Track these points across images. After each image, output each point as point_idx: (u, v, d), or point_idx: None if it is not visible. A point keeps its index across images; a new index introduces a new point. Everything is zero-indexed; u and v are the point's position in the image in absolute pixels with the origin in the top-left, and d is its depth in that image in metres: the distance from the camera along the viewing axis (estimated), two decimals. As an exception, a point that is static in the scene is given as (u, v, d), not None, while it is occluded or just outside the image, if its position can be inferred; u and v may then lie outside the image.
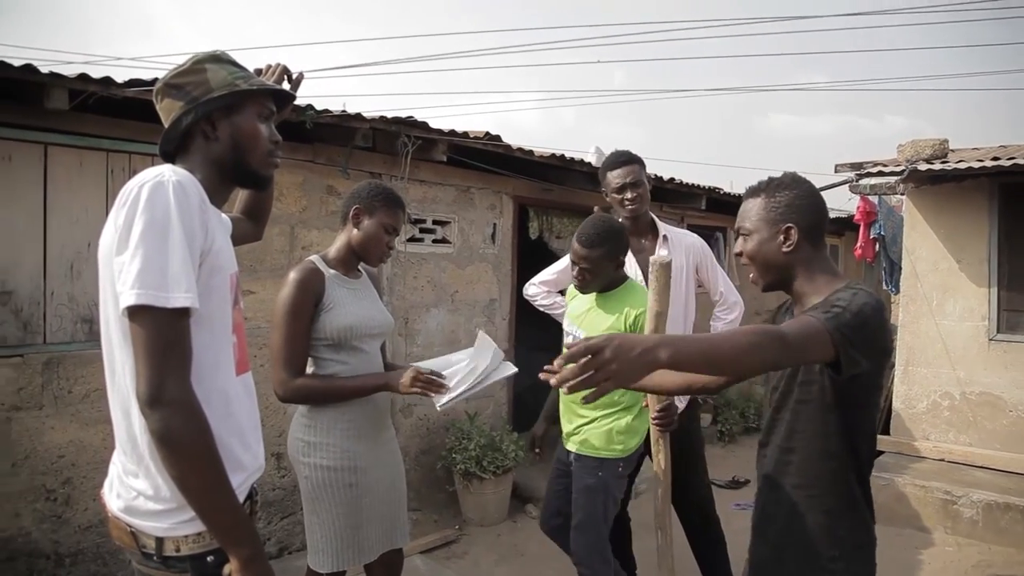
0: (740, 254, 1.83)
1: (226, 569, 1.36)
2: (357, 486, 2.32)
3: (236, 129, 1.55)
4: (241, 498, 1.45)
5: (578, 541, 2.81)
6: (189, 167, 1.49)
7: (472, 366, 2.37)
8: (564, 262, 3.34)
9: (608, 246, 2.75)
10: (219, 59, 1.58)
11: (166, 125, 1.54)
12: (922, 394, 5.57)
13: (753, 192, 1.82)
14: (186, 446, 1.28)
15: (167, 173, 1.34)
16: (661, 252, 3.14)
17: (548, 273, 3.38)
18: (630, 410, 2.82)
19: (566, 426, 2.93)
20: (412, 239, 4.85)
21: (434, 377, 2.32)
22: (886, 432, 5.77)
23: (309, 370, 2.35)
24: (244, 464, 1.50)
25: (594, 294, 2.89)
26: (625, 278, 2.90)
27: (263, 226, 2.08)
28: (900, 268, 5.97)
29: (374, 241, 2.39)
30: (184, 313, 1.30)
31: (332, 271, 2.36)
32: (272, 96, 1.64)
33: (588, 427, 2.84)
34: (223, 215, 1.66)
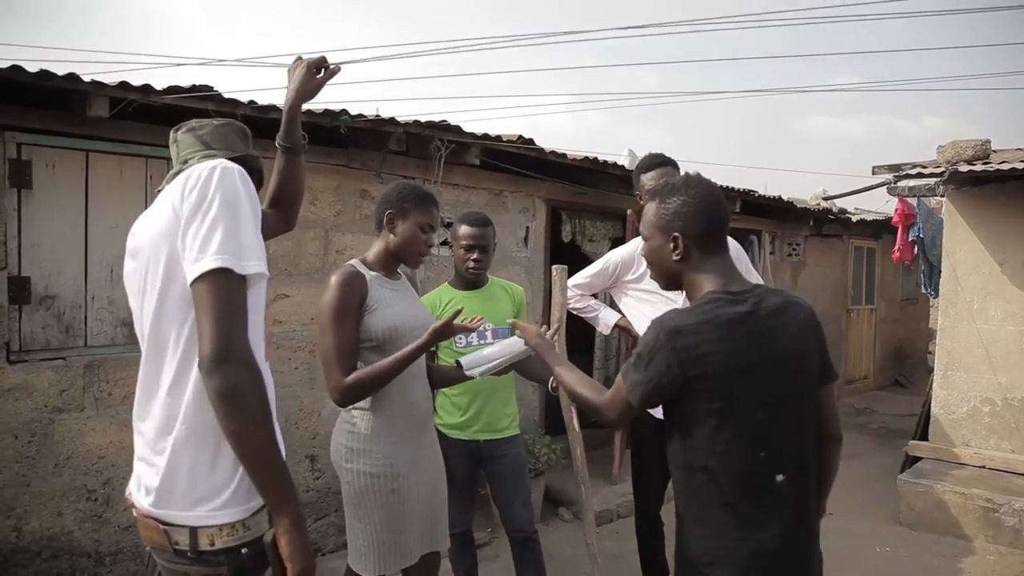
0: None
1: (268, 535, 1.36)
2: (399, 491, 2.31)
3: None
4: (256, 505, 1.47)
5: (529, 511, 3.12)
6: None
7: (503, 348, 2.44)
8: (598, 265, 3.32)
9: (492, 224, 3.07)
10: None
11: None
12: (962, 399, 5.46)
13: (652, 195, 1.83)
14: (250, 402, 1.32)
15: (227, 162, 1.46)
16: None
17: (582, 276, 3.36)
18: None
19: (501, 417, 3.09)
20: (445, 242, 4.87)
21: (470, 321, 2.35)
22: (924, 438, 5.67)
23: None
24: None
25: (473, 293, 3.07)
26: None
27: (294, 216, 2.15)
28: (939, 271, 5.86)
29: (412, 242, 2.39)
30: (248, 282, 1.38)
31: (373, 273, 2.36)
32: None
33: (514, 410, 3.17)
34: None
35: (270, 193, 2.08)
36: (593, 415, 1.85)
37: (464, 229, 3.01)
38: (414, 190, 2.44)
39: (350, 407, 2.34)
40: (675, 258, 1.74)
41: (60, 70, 3.03)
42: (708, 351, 1.61)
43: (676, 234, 1.72)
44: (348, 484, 2.34)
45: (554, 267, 2.56)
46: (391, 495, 2.30)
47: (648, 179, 3.06)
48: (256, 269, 1.37)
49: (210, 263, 1.32)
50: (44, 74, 2.97)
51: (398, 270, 2.49)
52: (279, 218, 2.09)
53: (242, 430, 1.32)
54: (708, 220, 1.74)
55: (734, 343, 1.63)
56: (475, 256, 3.00)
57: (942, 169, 5.24)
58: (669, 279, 1.82)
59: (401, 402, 2.33)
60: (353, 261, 2.39)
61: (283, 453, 1.41)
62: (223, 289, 1.33)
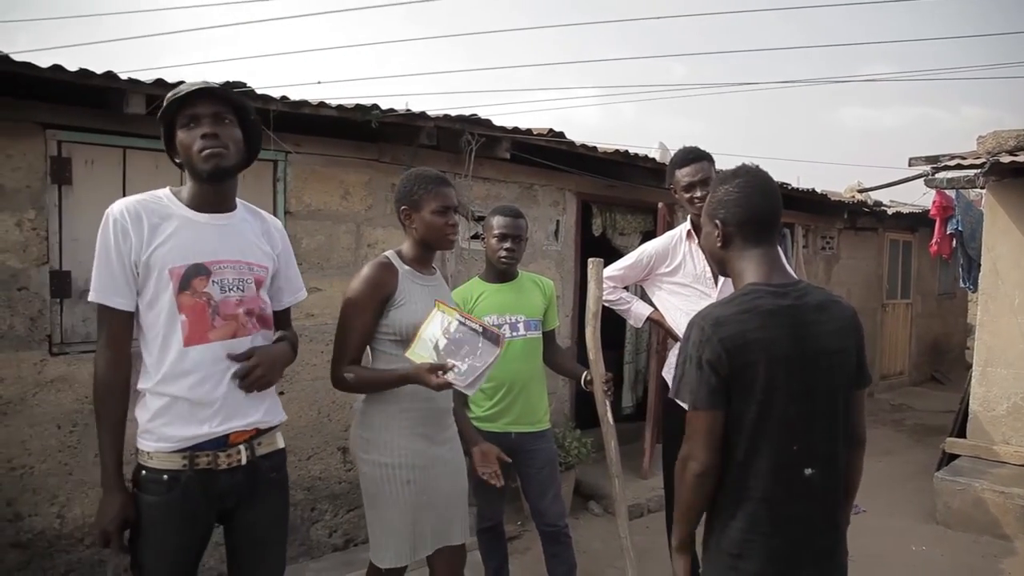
0: None
1: None
2: (414, 483, 2.31)
3: (178, 141, 1.93)
4: (187, 444, 1.85)
5: (560, 505, 3.19)
6: None
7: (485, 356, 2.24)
8: (632, 257, 3.30)
9: (525, 217, 3.10)
10: (174, 85, 1.89)
11: None
12: (1002, 396, 5.35)
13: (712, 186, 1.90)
14: (94, 389, 1.87)
15: (115, 204, 1.88)
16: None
17: (615, 268, 3.34)
18: None
19: (533, 410, 3.13)
20: (475, 236, 4.87)
21: (441, 365, 2.18)
22: (962, 435, 5.57)
23: (366, 363, 2.37)
24: (199, 418, 1.87)
25: (505, 286, 3.11)
26: None
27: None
28: (979, 265, 5.74)
29: (433, 229, 2.37)
30: (100, 307, 1.85)
31: (406, 267, 2.37)
32: (193, 102, 1.88)
33: (546, 404, 3.24)
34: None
35: None
36: (684, 459, 1.72)
37: (497, 219, 3.05)
38: (420, 178, 2.41)
39: (367, 397, 2.38)
40: (718, 244, 1.79)
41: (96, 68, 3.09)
42: (751, 339, 1.63)
43: (718, 221, 1.77)
44: (364, 475, 2.36)
45: (590, 260, 2.54)
46: (406, 486, 2.31)
47: (683, 174, 3.03)
48: (92, 298, 1.85)
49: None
50: (84, 73, 3.02)
51: (434, 266, 2.50)
52: None
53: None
54: (747, 210, 1.76)
55: (774, 333, 1.64)
56: (507, 245, 3.01)
57: (982, 160, 5.13)
58: (718, 263, 1.89)
59: (417, 395, 2.31)
60: (389, 253, 2.41)
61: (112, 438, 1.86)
62: (97, 317, 1.89)
